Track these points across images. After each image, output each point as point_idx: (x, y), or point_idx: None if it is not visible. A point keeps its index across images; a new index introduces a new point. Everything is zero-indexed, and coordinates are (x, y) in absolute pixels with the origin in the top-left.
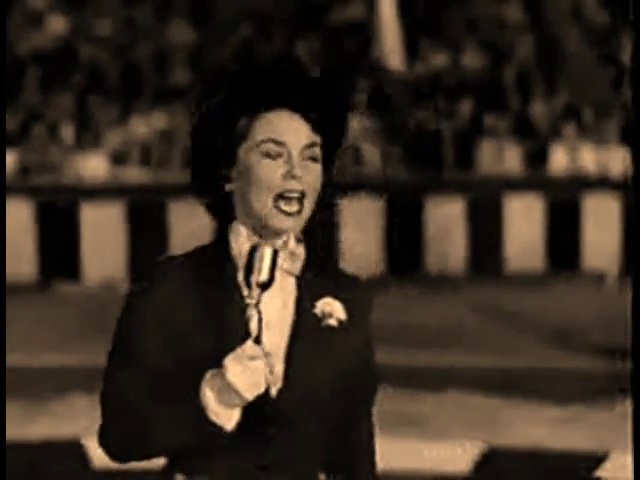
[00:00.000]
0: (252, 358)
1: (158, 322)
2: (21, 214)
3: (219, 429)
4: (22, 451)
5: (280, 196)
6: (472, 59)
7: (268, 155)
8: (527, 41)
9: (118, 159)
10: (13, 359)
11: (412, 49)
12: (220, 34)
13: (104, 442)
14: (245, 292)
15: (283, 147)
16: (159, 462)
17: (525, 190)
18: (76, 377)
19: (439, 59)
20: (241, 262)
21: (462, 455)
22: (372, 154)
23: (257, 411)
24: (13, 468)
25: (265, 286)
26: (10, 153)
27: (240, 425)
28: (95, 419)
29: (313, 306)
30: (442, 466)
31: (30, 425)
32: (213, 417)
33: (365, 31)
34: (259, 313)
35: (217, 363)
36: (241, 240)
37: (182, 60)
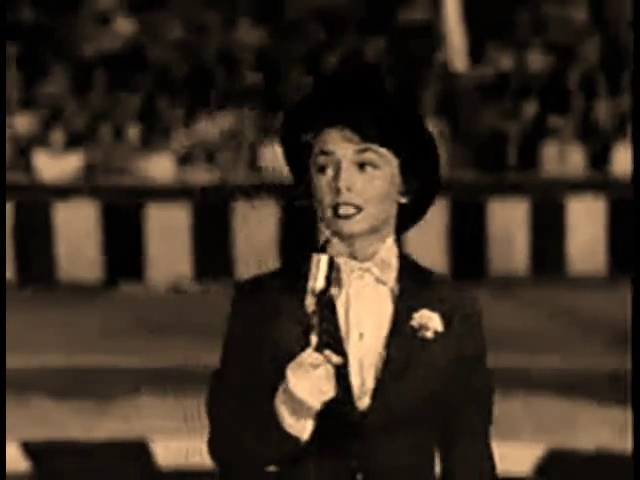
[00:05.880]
0: (314, 366)
1: (251, 339)
2: (87, 215)
3: (295, 440)
4: (88, 451)
5: (335, 207)
6: (537, 60)
7: (321, 168)
8: (592, 42)
9: (184, 160)
10: (79, 360)
11: (478, 50)
12: (288, 35)
13: (211, 454)
14: (308, 301)
15: (331, 157)
16: None
17: (588, 191)
18: (142, 378)
19: (504, 60)
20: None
21: (526, 455)
22: None
23: (340, 424)
24: (79, 467)
25: (322, 294)
26: (76, 154)
27: (321, 437)
28: (160, 418)
29: (410, 318)
30: (505, 466)
31: (96, 425)
32: (288, 429)
33: (432, 32)
34: (320, 320)
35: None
36: (330, 250)
37: (250, 61)
